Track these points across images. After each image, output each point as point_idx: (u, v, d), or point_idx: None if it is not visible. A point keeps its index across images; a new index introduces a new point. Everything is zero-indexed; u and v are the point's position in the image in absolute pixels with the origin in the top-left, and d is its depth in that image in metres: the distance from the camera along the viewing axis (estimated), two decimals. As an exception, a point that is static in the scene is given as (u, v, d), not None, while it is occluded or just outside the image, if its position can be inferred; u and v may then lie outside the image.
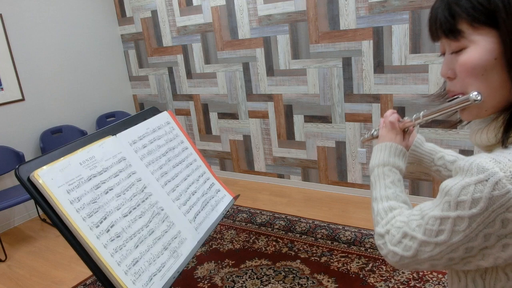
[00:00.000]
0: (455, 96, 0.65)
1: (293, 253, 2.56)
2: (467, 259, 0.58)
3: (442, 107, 0.71)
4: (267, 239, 2.77)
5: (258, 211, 3.20)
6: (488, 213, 0.52)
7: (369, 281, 2.21)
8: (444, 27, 0.62)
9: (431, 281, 2.16)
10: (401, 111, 2.89)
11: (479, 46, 0.58)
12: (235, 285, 2.32)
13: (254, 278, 2.36)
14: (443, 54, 0.67)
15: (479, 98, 0.59)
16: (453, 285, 0.69)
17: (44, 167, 0.98)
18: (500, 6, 0.56)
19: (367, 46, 2.91)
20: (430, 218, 0.60)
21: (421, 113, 0.79)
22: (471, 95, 0.60)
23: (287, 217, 3.04)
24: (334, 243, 2.62)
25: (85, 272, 2.63)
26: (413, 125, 0.85)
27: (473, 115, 0.63)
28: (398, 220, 0.68)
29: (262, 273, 2.40)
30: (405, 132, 0.88)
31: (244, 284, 2.32)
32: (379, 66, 2.90)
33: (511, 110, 0.59)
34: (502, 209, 0.51)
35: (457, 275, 0.66)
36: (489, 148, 0.63)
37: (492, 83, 0.59)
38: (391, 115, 0.88)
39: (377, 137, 0.92)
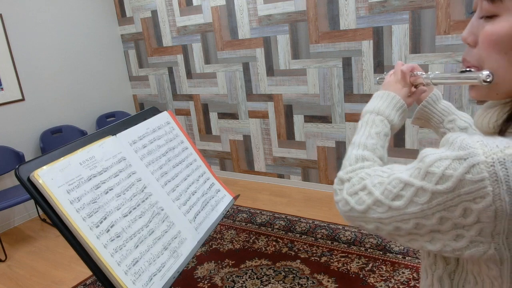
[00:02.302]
0: (467, 69, 0.58)
1: (293, 253, 2.56)
2: (414, 236, 0.53)
3: (452, 75, 0.64)
4: (267, 239, 2.77)
5: (258, 211, 3.20)
6: (452, 196, 0.47)
7: (369, 281, 2.21)
8: None
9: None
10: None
11: None
12: (235, 285, 2.32)
13: (254, 278, 2.36)
14: (474, 12, 0.57)
15: (489, 79, 0.53)
16: (421, 282, 0.65)
17: (44, 167, 0.98)
18: None
19: (367, 46, 2.91)
20: (395, 179, 0.55)
21: (431, 75, 0.73)
22: (481, 74, 0.53)
23: (287, 217, 3.04)
24: (334, 243, 2.62)
25: (85, 272, 2.63)
26: (422, 84, 0.78)
27: (482, 94, 0.57)
28: (364, 171, 0.64)
29: (262, 273, 2.40)
30: (415, 87, 0.81)
31: (244, 284, 2.32)
32: (379, 66, 2.90)
33: None
34: (468, 197, 0.46)
35: (425, 271, 0.62)
36: (490, 134, 0.57)
37: None
38: (405, 64, 0.80)
39: None
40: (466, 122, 0.84)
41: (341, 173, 0.68)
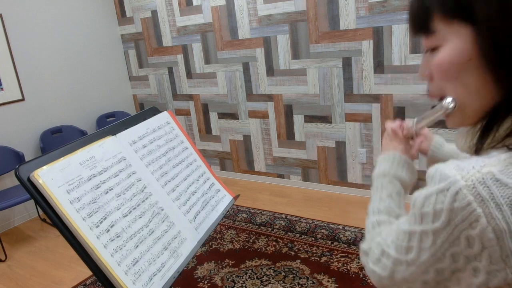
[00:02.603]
0: (435, 104, 0.61)
1: (293, 253, 2.56)
2: (442, 283, 0.51)
3: (427, 114, 0.67)
4: (267, 239, 2.77)
5: (258, 211, 3.20)
6: (451, 228, 0.46)
7: (369, 281, 2.21)
8: (417, 21, 0.56)
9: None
10: (401, 111, 2.89)
11: (452, 45, 0.52)
12: (235, 285, 2.32)
13: (254, 278, 2.36)
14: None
15: (451, 106, 0.55)
16: None
17: (44, 167, 0.98)
18: None
19: (367, 46, 2.91)
20: (400, 232, 0.55)
21: (415, 120, 0.76)
22: (443, 103, 0.56)
23: (287, 217, 3.04)
24: (334, 243, 2.62)
25: (85, 272, 2.63)
26: (415, 133, 0.80)
27: (457, 122, 0.58)
28: (380, 236, 0.64)
29: (262, 273, 2.40)
30: (412, 139, 0.83)
31: (244, 284, 2.32)
32: (379, 66, 2.90)
33: (489, 116, 0.52)
34: (464, 225, 0.45)
35: None
36: (472, 154, 0.59)
37: (469, 86, 0.52)
38: (393, 123, 0.83)
39: None
40: None
41: (363, 245, 0.68)
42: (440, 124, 2.76)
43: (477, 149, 0.53)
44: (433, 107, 0.62)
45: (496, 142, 0.51)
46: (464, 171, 0.46)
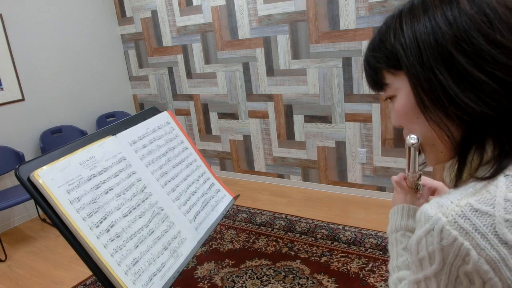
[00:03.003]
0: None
1: (293, 253, 2.56)
2: None
3: (410, 160, 0.69)
4: (267, 239, 2.77)
5: (258, 211, 3.20)
6: (448, 268, 0.46)
7: (369, 281, 2.21)
8: (371, 80, 0.62)
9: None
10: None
11: (403, 92, 0.57)
12: (235, 285, 2.32)
13: (254, 278, 2.36)
14: None
15: (413, 141, 0.59)
16: None
17: (44, 167, 0.98)
18: (399, 48, 0.55)
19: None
20: (409, 284, 0.55)
21: (411, 170, 0.76)
22: (407, 140, 0.60)
23: (287, 217, 3.04)
24: (334, 243, 2.62)
25: (85, 272, 2.63)
26: (415, 181, 0.81)
27: (432, 159, 0.61)
28: None
29: (262, 273, 2.40)
30: (418, 190, 0.83)
31: (244, 284, 2.32)
32: (379, 66, 2.90)
33: (459, 150, 0.55)
34: (458, 261, 0.45)
35: None
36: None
37: (431, 124, 0.55)
38: (397, 176, 0.84)
39: None
40: None
41: None
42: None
43: (456, 182, 0.55)
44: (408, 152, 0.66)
45: (473, 171, 0.52)
46: (444, 207, 0.46)
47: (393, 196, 0.85)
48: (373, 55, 0.60)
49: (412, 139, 0.59)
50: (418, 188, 0.84)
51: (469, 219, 0.44)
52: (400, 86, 0.58)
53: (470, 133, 0.52)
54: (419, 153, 0.64)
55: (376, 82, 0.62)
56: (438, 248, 0.46)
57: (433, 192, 0.89)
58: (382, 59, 0.58)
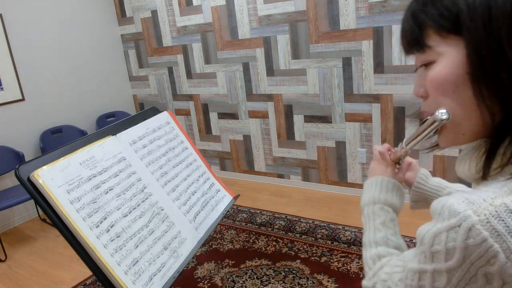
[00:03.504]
0: (426, 118, 0.58)
1: (293, 253, 2.56)
2: None
3: (418, 131, 0.63)
4: (267, 239, 2.77)
5: (258, 211, 3.20)
6: (466, 266, 0.44)
7: (369, 281, 2.21)
8: (410, 38, 0.55)
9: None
10: (401, 111, 2.89)
11: (448, 59, 0.51)
12: (235, 285, 2.32)
13: (254, 278, 2.36)
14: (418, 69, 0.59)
15: (445, 117, 0.52)
16: None
17: (44, 167, 0.98)
18: (463, 8, 0.48)
19: (367, 46, 2.91)
20: (409, 271, 0.52)
21: (404, 141, 0.73)
22: (436, 113, 0.53)
23: (287, 217, 3.04)
24: (334, 243, 2.62)
25: (85, 272, 2.63)
26: (404, 155, 0.77)
27: (450, 139, 0.56)
28: (383, 271, 0.62)
29: (262, 273, 2.40)
30: (399, 164, 0.80)
31: (244, 284, 2.32)
32: (379, 66, 2.90)
33: (493, 138, 0.50)
34: (482, 262, 0.42)
35: None
36: (476, 182, 0.56)
37: (466, 101, 0.50)
38: (381, 146, 0.81)
39: None
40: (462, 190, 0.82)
41: (365, 282, 0.66)
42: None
43: (484, 174, 0.50)
44: (422, 123, 0.60)
45: (503, 165, 0.48)
46: (475, 205, 0.43)
47: (372, 166, 0.81)
48: (424, 10, 0.52)
49: (443, 114, 0.52)
50: (400, 163, 0.81)
51: (503, 220, 0.42)
52: (445, 52, 0.51)
53: (509, 122, 0.48)
54: (435, 132, 0.58)
55: (417, 42, 0.54)
56: (461, 246, 0.43)
57: (407, 166, 0.86)
58: (435, 16, 0.51)
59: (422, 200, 0.87)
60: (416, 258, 0.51)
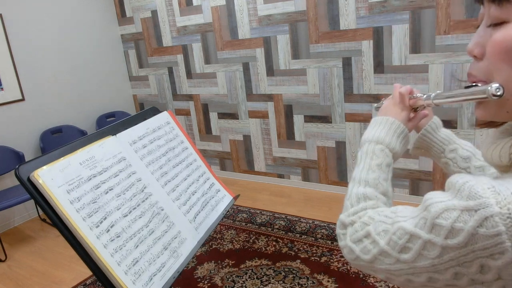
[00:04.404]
0: (473, 84, 0.52)
1: (293, 253, 2.56)
2: None
3: (456, 93, 0.57)
4: (267, 239, 2.77)
5: (258, 211, 3.20)
6: (465, 251, 0.42)
7: (369, 281, 2.21)
8: None
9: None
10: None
11: None
12: (235, 285, 2.32)
13: (254, 278, 2.36)
14: (479, 26, 0.52)
15: (499, 93, 0.46)
16: None
17: (44, 167, 0.98)
18: None
19: (367, 46, 2.91)
20: (399, 229, 0.50)
21: (433, 95, 0.66)
22: (489, 87, 0.47)
23: (287, 217, 3.04)
24: (334, 243, 2.62)
25: (85, 272, 2.63)
26: (423, 106, 0.73)
27: (490, 113, 0.50)
28: (367, 214, 0.59)
29: (262, 273, 2.40)
30: (415, 111, 0.76)
31: (244, 284, 2.32)
32: (379, 66, 2.90)
33: None
34: (484, 253, 0.40)
35: None
36: (503, 170, 0.51)
37: None
38: (403, 86, 0.75)
39: None
40: (469, 151, 0.79)
41: (342, 216, 0.63)
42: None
43: None
44: (467, 87, 0.53)
45: None
46: (501, 195, 0.40)
47: (387, 104, 0.75)
48: None
49: (497, 90, 0.46)
50: (417, 110, 0.76)
51: None
52: None
53: None
54: (475, 99, 0.51)
55: None
56: (469, 231, 0.41)
57: (422, 117, 0.81)
58: None
59: (425, 149, 0.84)
60: (413, 220, 0.49)
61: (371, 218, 0.58)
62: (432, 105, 0.68)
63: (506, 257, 0.39)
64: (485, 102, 0.50)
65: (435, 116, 0.84)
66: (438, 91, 0.67)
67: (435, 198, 0.47)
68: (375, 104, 0.88)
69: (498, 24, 0.47)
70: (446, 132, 0.83)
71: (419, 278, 0.48)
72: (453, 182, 0.46)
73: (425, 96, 0.70)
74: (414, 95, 0.74)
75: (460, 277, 0.44)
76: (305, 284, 2.26)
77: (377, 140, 0.69)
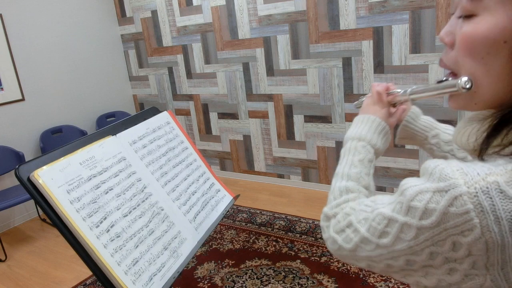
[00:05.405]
0: (445, 78, 0.55)
1: (293, 253, 2.56)
2: (407, 271, 0.51)
3: (429, 88, 0.61)
4: (267, 239, 2.77)
5: (258, 211, 3.20)
6: (438, 230, 0.44)
7: (369, 281, 2.21)
8: None
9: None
10: (401, 111, 2.89)
11: (492, 19, 0.46)
12: (235, 285, 2.32)
13: (254, 278, 2.36)
14: (453, 13, 0.54)
15: (468, 86, 0.49)
16: None
17: (44, 167, 0.98)
18: None
19: (367, 46, 2.91)
20: (378, 215, 0.52)
21: (409, 90, 0.70)
22: (459, 81, 0.50)
23: (287, 217, 3.04)
24: (334, 243, 2.62)
25: (85, 272, 2.63)
26: (400, 101, 0.76)
27: (461, 104, 0.54)
28: (349, 206, 0.62)
29: (262, 273, 2.40)
30: (393, 106, 0.79)
31: (244, 284, 2.32)
32: (379, 66, 2.90)
33: (502, 114, 0.48)
34: (455, 231, 0.43)
35: None
36: (471, 153, 0.54)
37: (491, 71, 0.47)
38: (379, 84, 0.78)
39: None
40: (450, 134, 0.81)
41: (326, 209, 0.65)
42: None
43: (482, 150, 0.49)
44: (439, 82, 0.56)
45: (503, 146, 0.47)
46: (468, 176, 0.43)
47: (367, 103, 0.78)
48: None
49: (466, 83, 0.49)
50: (395, 105, 0.79)
51: (491, 198, 0.41)
52: (493, 9, 0.46)
53: None
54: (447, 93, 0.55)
55: None
56: (441, 211, 0.44)
57: (401, 112, 0.84)
58: None
59: (409, 138, 0.87)
60: (391, 206, 0.51)
61: (352, 208, 0.60)
62: (409, 100, 0.71)
63: (475, 233, 0.42)
64: (456, 95, 0.53)
65: (413, 106, 0.86)
66: (414, 86, 0.70)
67: (410, 183, 0.49)
68: (355, 102, 0.90)
69: (468, 16, 0.49)
70: (426, 119, 0.85)
71: (397, 262, 0.51)
72: (426, 167, 0.49)
73: (401, 91, 0.73)
74: (392, 91, 0.77)
75: (435, 256, 0.46)
76: (305, 284, 2.26)
77: (359, 137, 0.73)
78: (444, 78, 0.55)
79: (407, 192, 0.48)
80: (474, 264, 0.44)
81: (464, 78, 0.49)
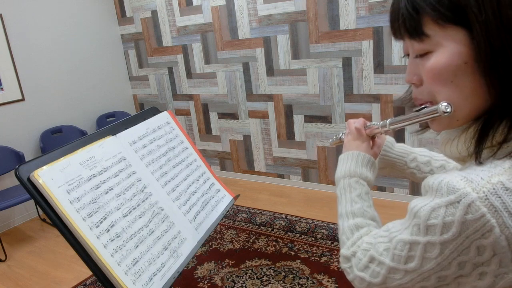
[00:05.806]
0: (423, 106, 0.58)
1: (293, 253, 2.56)
2: (441, 287, 0.52)
3: (409, 116, 0.63)
4: (267, 239, 2.77)
5: (258, 211, 3.20)
6: (461, 239, 0.46)
7: (369, 281, 2.21)
8: (408, 25, 0.53)
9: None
10: (401, 111, 2.89)
11: (447, 49, 0.50)
12: (235, 285, 2.32)
13: (254, 278, 2.36)
14: (407, 55, 0.58)
15: (449, 110, 0.53)
16: None
17: (44, 167, 0.98)
18: (471, 0, 0.47)
19: (367, 46, 2.91)
20: (399, 242, 0.54)
21: (388, 121, 0.72)
22: (440, 106, 0.53)
23: (287, 217, 3.04)
24: (334, 243, 2.62)
25: (85, 272, 2.63)
26: (380, 133, 0.79)
27: (444, 125, 0.57)
28: (364, 241, 0.63)
29: (262, 273, 2.40)
30: (373, 139, 0.82)
31: (244, 284, 2.32)
32: (379, 66, 2.90)
33: (483, 119, 0.52)
34: (477, 235, 0.45)
35: None
36: (462, 160, 0.58)
37: (463, 90, 0.51)
38: (355, 121, 0.82)
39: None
40: (426, 156, 0.86)
41: (343, 251, 0.67)
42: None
43: (477, 154, 0.52)
44: (417, 110, 0.60)
45: (494, 147, 0.51)
46: (474, 183, 0.46)
47: (348, 140, 0.81)
48: None
49: (446, 107, 0.53)
50: (375, 137, 0.82)
51: (500, 197, 0.45)
52: (444, 42, 0.50)
53: (501, 106, 0.49)
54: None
55: (415, 29, 0.52)
56: (459, 221, 0.46)
57: (382, 142, 0.88)
58: (435, 5, 0.49)
59: (389, 166, 0.90)
60: (407, 230, 0.53)
61: (369, 243, 0.62)
62: (389, 131, 0.74)
63: (495, 232, 0.45)
64: (438, 119, 0.57)
65: (387, 136, 0.90)
66: (392, 118, 0.73)
67: (419, 204, 0.51)
68: (330, 140, 0.95)
69: (423, 55, 0.54)
70: (401, 146, 0.90)
71: (429, 281, 0.52)
72: (429, 185, 0.51)
73: (380, 123, 0.76)
74: (368, 124, 0.80)
75: (464, 265, 0.48)
76: (305, 284, 2.26)
77: (350, 174, 0.75)
78: (423, 106, 0.58)
79: (421, 213, 0.50)
80: (501, 262, 0.46)
81: (444, 103, 0.53)
